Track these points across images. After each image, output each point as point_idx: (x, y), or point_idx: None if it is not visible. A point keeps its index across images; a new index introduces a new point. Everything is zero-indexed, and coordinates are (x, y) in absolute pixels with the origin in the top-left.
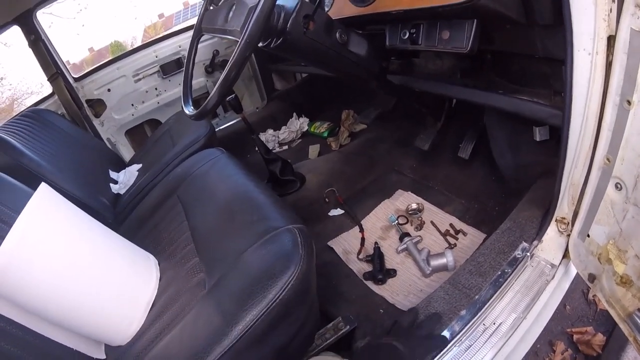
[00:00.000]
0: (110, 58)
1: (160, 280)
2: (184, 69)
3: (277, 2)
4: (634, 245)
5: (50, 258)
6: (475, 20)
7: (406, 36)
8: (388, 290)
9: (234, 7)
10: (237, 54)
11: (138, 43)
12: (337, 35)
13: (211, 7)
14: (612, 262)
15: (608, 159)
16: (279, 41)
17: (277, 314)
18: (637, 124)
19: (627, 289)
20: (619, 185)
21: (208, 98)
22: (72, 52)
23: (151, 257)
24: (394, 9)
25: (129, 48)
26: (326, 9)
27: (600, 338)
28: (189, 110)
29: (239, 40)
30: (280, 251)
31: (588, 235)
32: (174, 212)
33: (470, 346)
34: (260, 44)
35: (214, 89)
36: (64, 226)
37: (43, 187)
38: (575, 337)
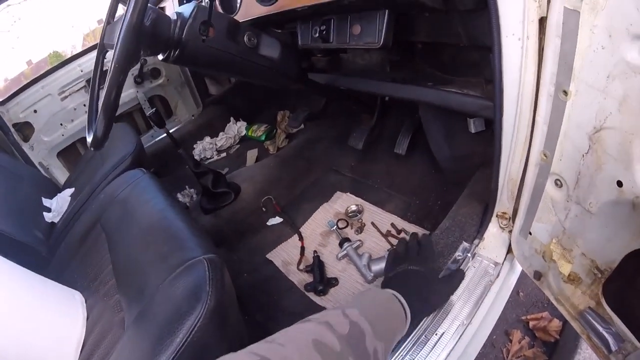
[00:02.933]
0: (34, 77)
1: (87, 319)
2: (89, 90)
3: (176, 10)
4: (579, 244)
5: None
6: (387, 10)
7: (317, 34)
8: (331, 301)
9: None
10: (111, 76)
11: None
12: (245, 39)
13: (114, 20)
14: (556, 262)
15: (545, 155)
16: (176, 53)
17: (189, 358)
18: (575, 117)
19: (575, 286)
20: (559, 182)
21: (95, 126)
22: (8, 66)
23: (77, 295)
24: (298, 5)
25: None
26: (236, 11)
27: (556, 323)
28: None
29: (112, 61)
30: (188, 287)
31: (530, 233)
32: (98, 243)
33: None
34: (160, 57)
35: (99, 115)
36: None
37: None
38: (531, 323)
